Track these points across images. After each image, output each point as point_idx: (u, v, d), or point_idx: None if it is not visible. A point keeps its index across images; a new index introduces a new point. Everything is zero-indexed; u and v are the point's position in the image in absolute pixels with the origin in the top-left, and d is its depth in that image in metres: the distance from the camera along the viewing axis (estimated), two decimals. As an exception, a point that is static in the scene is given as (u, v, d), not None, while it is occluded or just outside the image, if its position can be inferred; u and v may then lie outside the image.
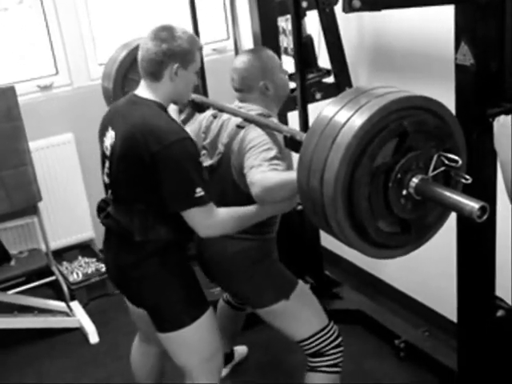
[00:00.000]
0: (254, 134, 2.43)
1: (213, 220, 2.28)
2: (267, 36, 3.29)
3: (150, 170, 2.22)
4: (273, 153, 2.34)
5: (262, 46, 2.84)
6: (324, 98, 3.40)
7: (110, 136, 2.37)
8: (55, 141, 4.27)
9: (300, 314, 2.65)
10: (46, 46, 4.26)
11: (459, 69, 2.28)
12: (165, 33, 2.29)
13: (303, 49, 3.10)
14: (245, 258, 2.63)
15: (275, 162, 2.30)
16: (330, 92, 3.37)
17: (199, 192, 2.21)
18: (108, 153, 2.39)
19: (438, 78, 2.93)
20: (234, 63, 2.69)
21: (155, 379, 2.96)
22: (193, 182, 2.21)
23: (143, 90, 2.38)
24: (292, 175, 2.01)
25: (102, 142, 2.46)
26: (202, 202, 2.23)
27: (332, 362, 2.68)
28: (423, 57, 3.16)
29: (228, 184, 2.55)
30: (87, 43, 4.32)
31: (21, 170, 3.81)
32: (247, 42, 3.91)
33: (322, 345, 2.66)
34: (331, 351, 2.67)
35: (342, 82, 3.49)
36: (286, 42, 3.41)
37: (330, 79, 3.51)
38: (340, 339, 2.70)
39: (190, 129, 2.73)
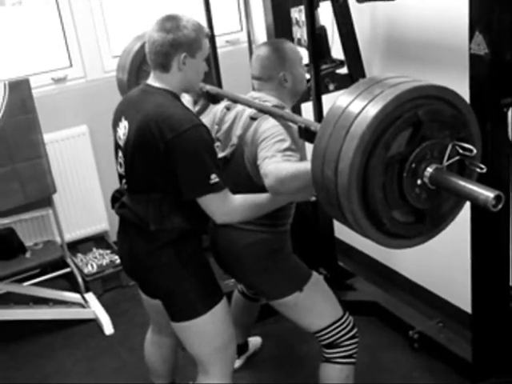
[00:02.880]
0: (268, 125, 2.43)
1: (229, 206, 2.28)
2: (280, 27, 3.29)
3: (164, 157, 2.22)
4: (286, 144, 2.34)
5: (284, 39, 2.84)
6: (337, 88, 3.40)
7: (124, 126, 2.38)
8: (69, 133, 4.29)
9: (314, 306, 2.65)
10: (59, 39, 4.27)
11: (473, 58, 2.27)
12: (169, 23, 2.29)
13: (317, 40, 3.09)
14: (258, 249, 2.63)
15: (289, 153, 2.30)
16: (344, 83, 3.37)
17: (214, 178, 2.21)
18: (121, 142, 2.40)
19: (451, 67, 2.92)
20: (257, 51, 2.69)
21: (168, 370, 2.98)
22: (207, 168, 2.21)
23: (154, 81, 2.38)
24: (306, 166, 2.01)
25: (115, 132, 2.47)
26: (217, 189, 2.23)
27: (347, 353, 2.68)
28: (437, 47, 3.15)
29: (241, 176, 2.55)
30: (101, 36, 4.33)
31: (35, 162, 3.83)
32: (260, 34, 3.92)
33: (337, 336, 2.66)
34: (346, 342, 2.68)
35: (356, 72, 3.49)
36: (300, 33, 3.40)
37: (344, 70, 3.51)
38: (355, 330, 2.71)
39: (205, 121, 2.73)
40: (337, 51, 3.51)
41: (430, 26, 3.19)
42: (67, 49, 4.29)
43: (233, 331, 2.59)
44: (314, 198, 2.59)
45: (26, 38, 4.21)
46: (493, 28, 2.19)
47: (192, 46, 2.30)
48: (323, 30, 3.45)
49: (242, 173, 2.54)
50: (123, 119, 2.40)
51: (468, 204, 1.94)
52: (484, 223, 2.49)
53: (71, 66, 4.33)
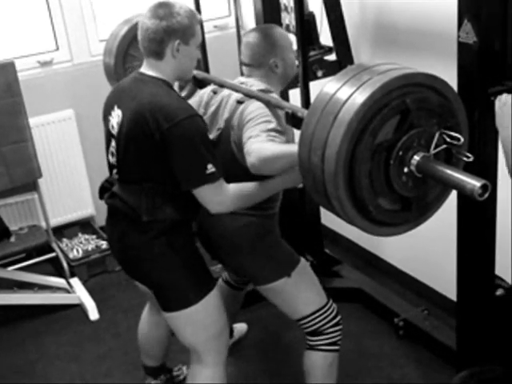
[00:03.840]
0: (253, 107, 2.42)
1: (224, 196, 2.27)
2: (269, 13, 3.28)
3: (159, 148, 2.21)
4: (272, 125, 2.33)
5: (274, 24, 2.82)
6: (326, 75, 3.38)
7: (117, 115, 2.36)
8: (55, 117, 4.26)
9: (300, 293, 2.65)
10: (46, 22, 4.23)
11: (462, 47, 2.26)
12: (162, 10, 2.27)
13: (305, 26, 3.08)
14: (247, 233, 2.62)
15: (273, 133, 2.29)
16: (332, 69, 3.36)
17: (210, 168, 2.20)
18: (114, 132, 2.37)
19: (440, 55, 2.92)
20: (246, 38, 2.67)
21: (161, 351, 2.99)
22: (204, 158, 2.21)
23: (148, 69, 2.36)
24: (290, 148, 2.01)
25: (107, 120, 2.44)
26: (213, 179, 2.22)
27: (331, 341, 2.69)
28: (426, 35, 3.14)
29: (227, 159, 2.52)
30: (88, 19, 4.29)
31: (21, 145, 3.81)
32: (249, 19, 3.90)
33: (321, 323, 2.67)
34: (330, 330, 2.68)
35: (344, 59, 3.48)
36: (288, 19, 3.38)
37: (332, 57, 3.50)
38: (339, 318, 2.71)
39: (190, 103, 2.71)
40: (325, 38, 3.50)
41: (418, 14, 3.18)
42: (53, 32, 4.26)
43: (225, 319, 2.58)
44: (301, 185, 2.59)
45: (12, 20, 4.16)
46: (481, 17, 2.18)
47: (185, 32, 2.29)
48: (312, 16, 3.44)
49: (227, 156, 2.52)
50: (116, 108, 2.37)
51: (455, 192, 1.94)
52: (470, 211, 2.49)
53: (57, 49, 4.29)
